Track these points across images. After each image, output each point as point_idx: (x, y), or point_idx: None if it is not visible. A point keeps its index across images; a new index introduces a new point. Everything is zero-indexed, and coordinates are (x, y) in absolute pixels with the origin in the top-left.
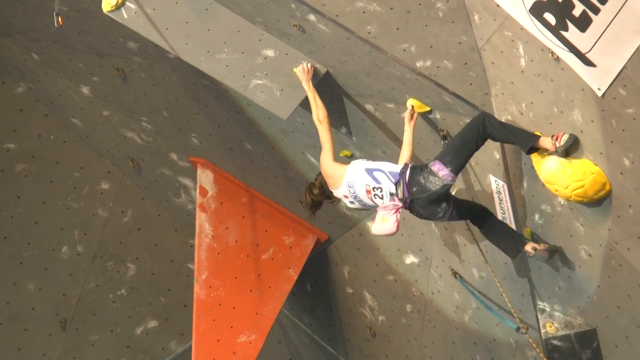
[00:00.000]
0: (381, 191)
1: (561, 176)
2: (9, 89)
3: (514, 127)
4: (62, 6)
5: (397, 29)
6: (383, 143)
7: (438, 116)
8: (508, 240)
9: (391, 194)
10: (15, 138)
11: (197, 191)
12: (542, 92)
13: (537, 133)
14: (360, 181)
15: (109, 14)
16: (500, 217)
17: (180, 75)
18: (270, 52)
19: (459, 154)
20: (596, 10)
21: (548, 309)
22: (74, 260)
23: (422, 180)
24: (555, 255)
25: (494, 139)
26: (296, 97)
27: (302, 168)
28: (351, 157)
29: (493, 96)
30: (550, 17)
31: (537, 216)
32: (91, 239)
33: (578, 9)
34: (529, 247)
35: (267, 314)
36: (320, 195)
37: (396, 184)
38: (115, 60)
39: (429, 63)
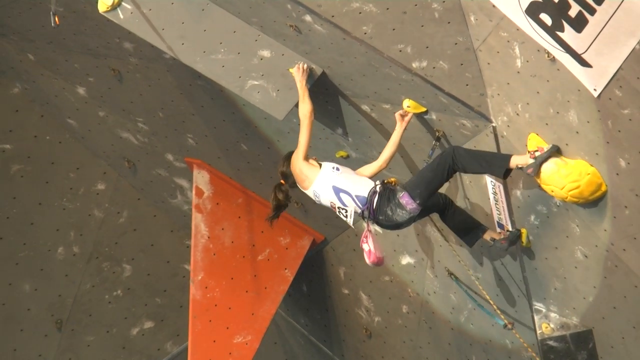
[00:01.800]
0: (346, 212)
1: (557, 177)
2: (4, 90)
3: (485, 153)
4: (58, 6)
5: (393, 29)
6: (379, 144)
7: (434, 117)
8: (467, 228)
9: (357, 213)
10: (10, 139)
11: (193, 192)
12: (538, 92)
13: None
14: (326, 196)
15: (104, 14)
16: (496, 217)
17: (176, 75)
18: (266, 53)
19: (429, 187)
20: (592, 11)
21: (544, 310)
22: (69, 261)
23: (390, 212)
24: (514, 242)
25: (466, 172)
26: (292, 97)
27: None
28: (347, 158)
29: (489, 97)
30: (546, 18)
31: (533, 217)
32: (87, 240)
33: (574, 10)
34: (487, 236)
35: (263, 314)
36: (285, 199)
37: (362, 210)
38: (111, 61)
39: (424, 64)
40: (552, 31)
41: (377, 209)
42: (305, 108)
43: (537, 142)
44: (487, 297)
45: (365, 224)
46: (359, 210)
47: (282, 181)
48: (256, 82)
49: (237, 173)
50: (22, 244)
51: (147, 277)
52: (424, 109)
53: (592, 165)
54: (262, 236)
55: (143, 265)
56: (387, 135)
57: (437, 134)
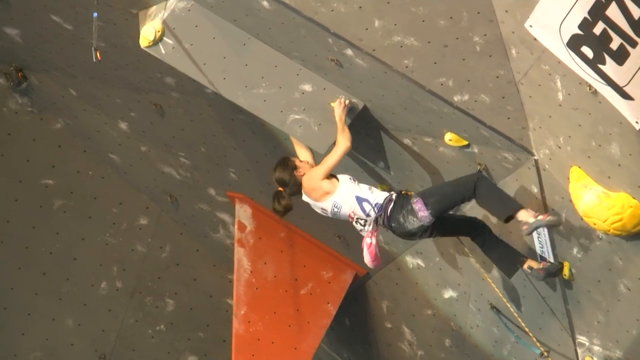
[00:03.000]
0: (365, 222)
1: (599, 209)
2: (47, 125)
3: (502, 194)
4: (100, 42)
5: (435, 63)
6: (421, 177)
7: (476, 150)
8: (506, 258)
9: (374, 224)
10: (53, 174)
11: (235, 226)
12: (579, 125)
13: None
14: (347, 206)
15: (146, 50)
16: (538, 251)
17: (217, 110)
18: (307, 87)
19: (444, 200)
20: (633, 44)
21: (587, 343)
22: (112, 296)
23: (402, 219)
24: (554, 275)
25: (477, 201)
26: (334, 131)
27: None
28: (389, 191)
29: (531, 130)
30: (587, 51)
31: (575, 250)
32: (130, 275)
33: (615, 43)
34: (525, 265)
35: (305, 349)
36: (290, 204)
37: (377, 216)
38: (152, 96)
39: (466, 97)
40: (594, 64)
41: (391, 216)
42: (343, 143)
43: (579, 175)
44: (527, 330)
45: (374, 226)
46: (375, 219)
47: (280, 188)
48: (298, 116)
49: None
50: (66, 279)
51: (190, 311)
52: (465, 142)
53: (634, 198)
54: (304, 270)
55: (186, 299)
56: (429, 168)
57: (478, 167)
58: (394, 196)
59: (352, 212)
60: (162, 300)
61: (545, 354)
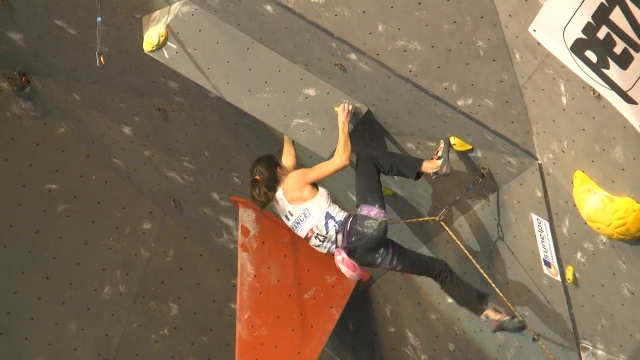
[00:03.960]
0: (324, 240)
1: (603, 214)
2: (50, 130)
3: (400, 155)
4: (104, 46)
5: (439, 67)
6: (424, 182)
7: (480, 154)
8: (467, 302)
9: (332, 243)
10: (57, 179)
11: (239, 231)
12: (583, 130)
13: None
14: (315, 219)
15: (150, 54)
16: (542, 255)
17: (221, 114)
18: (311, 92)
19: (373, 190)
20: (638, 48)
21: (591, 348)
22: (116, 301)
23: (360, 229)
24: (509, 330)
25: (383, 172)
26: (337, 136)
27: (343, 207)
28: (392, 196)
29: (535, 134)
30: (591, 55)
31: (579, 254)
32: (133, 279)
33: (619, 47)
34: (483, 315)
35: (309, 353)
36: (269, 193)
37: (337, 233)
38: (156, 100)
39: (470, 101)
40: (598, 68)
41: (350, 232)
42: (342, 160)
43: (583, 180)
44: (533, 334)
45: (336, 248)
46: (334, 239)
47: (257, 177)
48: (302, 121)
49: None
50: (69, 283)
51: (194, 316)
52: (469, 147)
53: (638, 203)
54: (308, 275)
55: (189, 304)
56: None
57: (482, 171)
58: (351, 217)
59: (316, 226)
60: (166, 305)
61: (537, 337)
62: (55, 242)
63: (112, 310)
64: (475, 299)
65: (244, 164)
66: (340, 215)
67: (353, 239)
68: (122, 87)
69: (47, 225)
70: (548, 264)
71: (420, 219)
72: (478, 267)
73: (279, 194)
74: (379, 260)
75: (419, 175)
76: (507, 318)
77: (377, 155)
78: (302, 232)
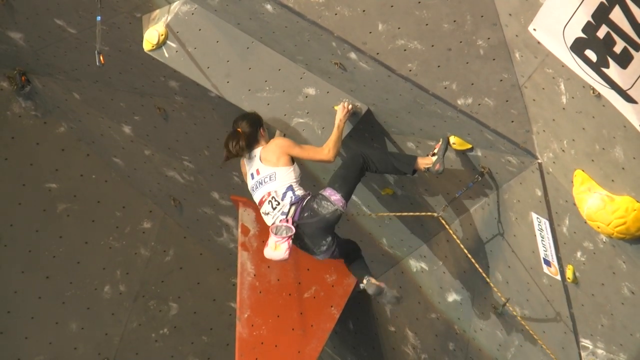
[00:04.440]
0: (277, 205)
1: (603, 213)
2: (50, 129)
3: (393, 154)
4: (104, 45)
5: (438, 66)
6: (423, 181)
7: (479, 154)
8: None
9: (283, 213)
10: (57, 178)
11: (239, 230)
12: (583, 129)
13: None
14: (277, 184)
15: (150, 53)
16: (542, 254)
17: (221, 113)
18: (311, 91)
19: (345, 181)
20: (637, 47)
21: (591, 347)
22: (116, 300)
23: (315, 206)
24: (385, 295)
25: (377, 171)
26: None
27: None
28: (392, 195)
29: (534, 133)
30: (591, 54)
31: (579, 253)
32: (133, 278)
33: (619, 46)
34: (365, 279)
35: (309, 352)
36: (243, 147)
37: (291, 205)
38: (156, 100)
39: (470, 100)
40: (598, 67)
41: (304, 207)
42: (329, 154)
43: (583, 179)
44: (532, 332)
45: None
46: (287, 209)
47: (239, 130)
48: (301, 120)
49: None
50: (69, 283)
51: (194, 315)
52: (469, 146)
53: (638, 202)
54: (308, 274)
55: (189, 303)
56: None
57: (482, 170)
58: (309, 195)
59: (275, 191)
60: (166, 304)
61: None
62: (55, 241)
63: (112, 309)
64: (365, 271)
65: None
66: (300, 191)
67: (305, 214)
68: (122, 86)
69: (47, 225)
70: (548, 263)
71: (419, 214)
72: (477, 266)
73: (256, 151)
74: (324, 248)
75: (414, 171)
76: (386, 288)
77: (368, 154)
78: (259, 193)
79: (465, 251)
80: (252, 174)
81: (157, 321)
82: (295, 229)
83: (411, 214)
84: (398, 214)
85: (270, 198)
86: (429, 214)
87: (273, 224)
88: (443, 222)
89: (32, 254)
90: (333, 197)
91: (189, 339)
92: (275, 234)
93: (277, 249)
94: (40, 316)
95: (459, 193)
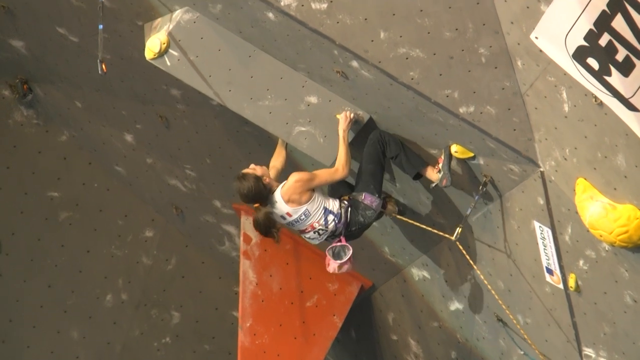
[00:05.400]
0: (324, 232)
1: (605, 221)
2: (52, 137)
3: (408, 149)
4: (105, 54)
5: (440, 74)
6: (425, 189)
7: (481, 162)
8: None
9: (331, 234)
10: (58, 186)
11: (241, 238)
12: (585, 137)
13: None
14: (315, 217)
15: (151, 62)
16: (544, 263)
17: (223, 122)
18: (313, 99)
19: (376, 178)
20: (639, 55)
21: (593, 355)
22: (118, 308)
23: (361, 219)
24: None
25: (389, 158)
26: (338, 145)
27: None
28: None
29: (537, 141)
30: (593, 62)
31: (581, 262)
32: (135, 287)
33: (621, 54)
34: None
35: None
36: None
37: (336, 225)
38: (158, 108)
39: (472, 109)
40: (600, 75)
41: (350, 222)
42: (341, 171)
43: (585, 187)
44: (530, 342)
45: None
46: (334, 230)
47: (257, 205)
48: (303, 128)
49: None
50: (71, 291)
51: (196, 324)
52: (471, 154)
53: None
54: (310, 282)
55: (191, 312)
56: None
57: (484, 179)
58: (345, 202)
59: (317, 222)
60: (168, 313)
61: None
62: (57, 249)
63: (114, 317)
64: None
65: None
66: (335, 206)
67: (353, 229)
68: (124, 94)
69: (49, 233)
70: (550, 272)
71: (436, 231)
72: (482, 277)
73: (276, 196)
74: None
75: (418, 175)
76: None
77: (387, 140)
78: (298, 228)
79: (472, 264)
80: (282, 216)
81: (159, 330)
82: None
83: (428, 227)
84: (415, 223)
85: (313, 230)
86: (446, 236)
87: (329, 248)
88: (459, 245)
89: (34, 263)
90: (374, 203)
91: (191, 347)
92: (336, 258)
93: (342, 269)
94: (42, 325)
95: (468, 210)
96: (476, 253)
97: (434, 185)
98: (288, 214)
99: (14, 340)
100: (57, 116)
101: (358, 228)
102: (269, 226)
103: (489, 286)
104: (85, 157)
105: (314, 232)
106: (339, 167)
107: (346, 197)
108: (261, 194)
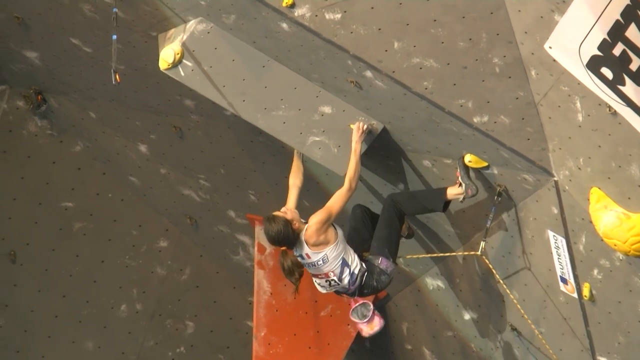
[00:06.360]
0: (336, 285)
1: (619, 230)
2: (66, 148)
3: (421, 192)
4: (119, 64)
5: (454, 84)
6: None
7: (495, 171)
8: None
9: (342, 289)
10: (73, 196)
11: (255, 248)
12: (599, 146)
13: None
14: (332, 265)
15: (165, 72)
16: (558, 272)
17: (237, 132)
18: (327, 109)
19: (391, 241)
20: None
21: None
22: (132, 318)
23: (375, 284)
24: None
25: (409, 214)
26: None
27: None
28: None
29: (550, 151)
30: (607, 72)
31: (595, 271)
32: (149, 297)
33: (635, 63)
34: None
35: None
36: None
37: (349, 284)
38: (172, 118)
39: (486, 118)
40: (614, 85)
41: (364, 285)
42: (357, 179)
43: (599, 197)
44: (550, 352)
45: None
46: (345, 289)
47: (285, 249)
48: (317, 138)
49: None
50: (85, 301)
51: (210, 333)
52: (485, 164)
53: None
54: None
55: (206, 322)
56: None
57: (498, 188)
58: (364, 266)
59: (332, 272)
60: (182, 323)
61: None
62: (71, 260)
63: (129, 328)
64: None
65: (260, 182)
66: (354, 264)
67: (365, 291)
68: (138, 104)
69: (63, 243)
70: (564, 281)
71: (461, 253)
72: (494, 283)
73: (300, 238)
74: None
75: (447, 204)
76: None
77: (399, 200)
78: (313, 271)
79: (486, 270)
80: (301, 255)
81: (173, 340)
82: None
83: (453, 253)
84: (440, 254)
85: (327, 279)
86: (471, 253)
87: (352, 313)
88: (485, 260)
89: (48, 273)
90: (390, 268)
91: (205, 357)
92: (361, 319)
93: (373, 326)
94: (57, 335)
95: (488, 222)
96: (490, 263)
97: (462, 199)
98: (307, 255)
99: (28, 351)
100: (71, 127)
101: (369, 292)
102: (293, 271)
103: (511, 296)
104: (99, 167)
105: (326, 281)
106: (348, 183)
107: (365, 254)
108: (288, 239)
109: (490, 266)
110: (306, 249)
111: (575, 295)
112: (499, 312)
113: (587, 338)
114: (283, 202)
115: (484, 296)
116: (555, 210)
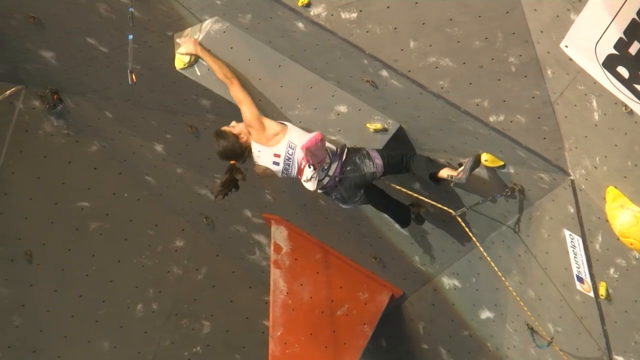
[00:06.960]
0: (328, 166)
1: (636, 229)
2: (82, 148)
3: (429, 161)
4: (135, 64)
5: (470, 83)
6: (456, 198)
7: (512, 170)
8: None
9: (324, 171)
10: (89, 196)
11: (271, 248)
12: (615, 145)
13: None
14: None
15: (181, 71)
16: (575, 271)
17: None
18: (343, 108)
19: (391, 157)
20: None
21: None
22: (148, 318)
23: (358, 161)
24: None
25: (410, 170)
26: None
27: (376, 224)
28: (425, 213)
29: (567, 150)
30: (623, 71)
31: (612, 270)
32: (166, 297)
33: None
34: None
35: None
36: (243, 174)
37: (331, 162)
38: (188, 118)
39: (502, 117)
40: (630, 84)
41: (346, 161)
42: (225, 71)
43: (615, 195)
44: (561, 353)
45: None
46: (327, 166)
47: (232, 162)
48: (333, 137)
49: (315, 228)
50: (102, 301)
51: (226, 333)
52: (501, 163)
53: None
54: (340, 291)
55: (222, 321)
56: (465, 189)
57: (514, 187)
58: (346, 148)
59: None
60: (198, 322)
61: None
62: (87, 259)
63: (145, 327)
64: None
65: (276, 182)
66: (331, 145)
67: (348, 168)
68: (154, 104)
69: (80, 243)
70: (581, 280)
71: (436, 204)
72: (509, 283)
73: (255, 148)
74: (357, 200)
75: (433, 177)
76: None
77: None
78: (294, 166)
79: (495, 269)
80: (274, 162)
81: (189, 339)
82: (336, 182)
83: (429, 201)
84: (415, 195)
85: (308, 164)
86: (447, 209)
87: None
88: (459, 219)
89: (64, 273)
90: (377, 160)
91: (221, 357)
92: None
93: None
94: (73, 335)
95: (482, 201)
96: (507, 262)
97: (450, 176)
98: (275, 154)
99: (45, 351)
100: (87, 127)
101: (352, 169)
102: (230, 186)
103: (514, 293)
104: (115, 167)
105: (309, 167)
106: (227, 81)
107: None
108: (235, 152)
109: (463, 224)
110: (270, 151)
111: (591, 294)
112: (515, 312)
113: (604, 337)
114: (299, 202)
115: (500, 295)
116: (572, 209)
